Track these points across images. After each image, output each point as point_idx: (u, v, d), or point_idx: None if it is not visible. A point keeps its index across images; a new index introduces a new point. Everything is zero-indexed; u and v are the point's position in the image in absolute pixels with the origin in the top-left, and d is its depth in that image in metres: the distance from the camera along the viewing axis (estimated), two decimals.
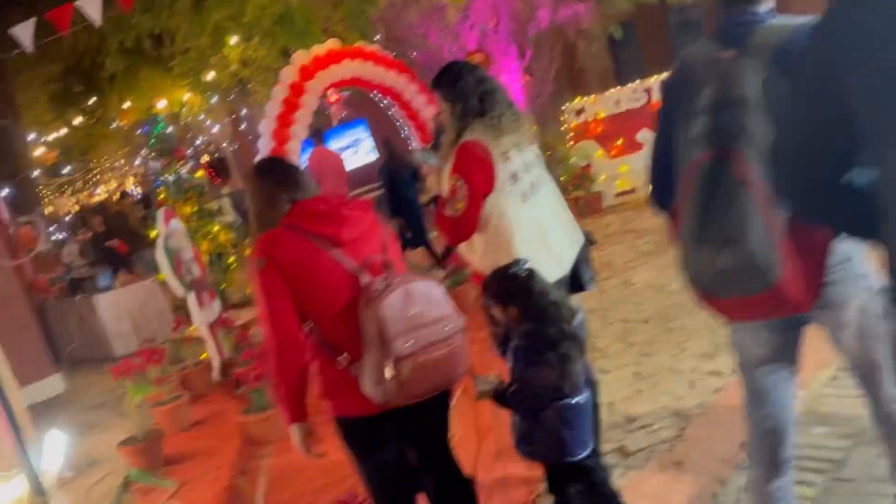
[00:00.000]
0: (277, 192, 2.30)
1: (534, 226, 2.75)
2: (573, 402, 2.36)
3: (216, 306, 6.60)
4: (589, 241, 3.07)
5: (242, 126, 12.92)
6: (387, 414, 2.23)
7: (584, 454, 2.40)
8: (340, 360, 2.18)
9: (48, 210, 11.63)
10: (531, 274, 2.38)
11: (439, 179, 2.90)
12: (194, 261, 6.53)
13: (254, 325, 6.91)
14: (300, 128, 8.10)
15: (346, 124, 13.87)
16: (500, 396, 2.39)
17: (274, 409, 4.71)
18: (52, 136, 11.19)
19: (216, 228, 7.44)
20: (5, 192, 7.15)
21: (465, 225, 2.71)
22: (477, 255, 2.80)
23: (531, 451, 2.42)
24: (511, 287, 2.38)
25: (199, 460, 4.53)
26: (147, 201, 11.84)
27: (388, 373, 2.07)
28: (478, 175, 2.68)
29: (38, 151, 11.26)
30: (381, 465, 2.37)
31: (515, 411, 2.43)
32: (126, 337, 8.20)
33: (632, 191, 9.13)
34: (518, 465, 3.38)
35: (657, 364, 4.16)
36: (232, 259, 7.57)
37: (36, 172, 10.03)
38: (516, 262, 2.42)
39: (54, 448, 4.74)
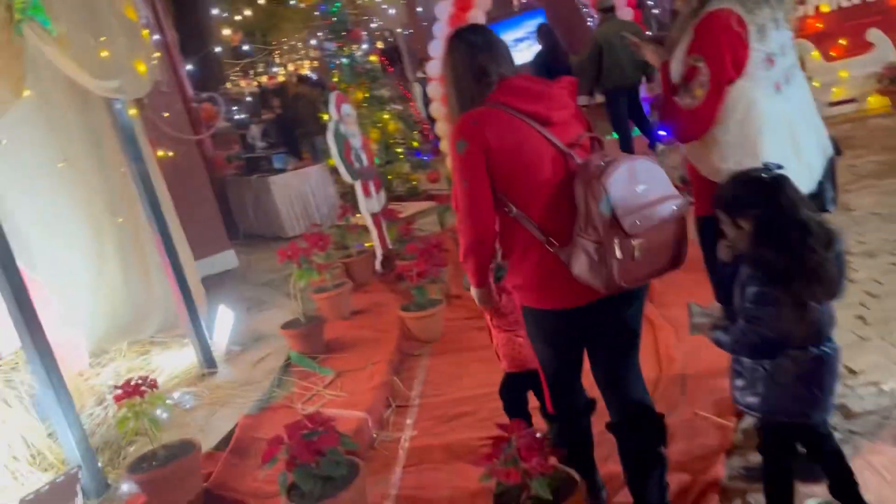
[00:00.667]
0: (487, 65, 2.13)
1: (784, 124, 2.18)
2: (818, 351, 1.85)
3: (381, 197, 6.48)
4: (836, 151, 2.44)
5: (418, 10, 12.50)
6: (588, 307, 2.07)
7: (821, 418, 1.91)
8: (549, 245, 2.03)
9: (230, 90, 12.03)
10: (781, 180, 1.84)
11: (656, 56, 2.36)
12: (363, 149, 6.40)
13: (418, 219, 6.75)
14: (479, 13, 7.56)
15: (522, 14, 13.08)
16: (720, 335, 1.93)
17: (434, 308, 4.52)
18: (237, 17, 11.36)
19: (386, 116, 7.25)
20: (189, 67, 7.31)
21: (702, 118, 2.21)
22: (712, 156, 2.28)
23: (753, 403, 1.96)
24: (751, 194, 1.86)
25: (357, 351, 4.45)
26: (322, 85, 11.94)
27: (618, 253, 1.90)
28: (725, 54, 2.14)
29: (224, 31, 11.53)
30: (568, 362, 2.27)
31: (736, 354, 1.96)
32: (296, 219, 8.40)
33: (851, 100, 7.86)
34: (708, 408, 2.94)
35: (888, 308, 3.46)
36: (400, 150, 7.41)
37: (220, 50, 10.30)
38: (764, 166, 1.89)
39: (224, 322, 4.87)
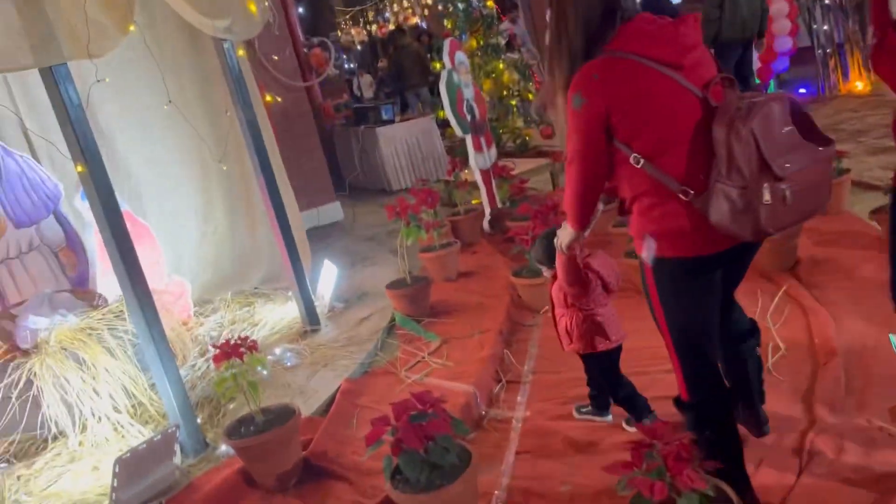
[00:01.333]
0: (608, 9, 1.97)
1: None
2: None
3: (492, 153, 6.14)
4: None
5: None
6: (720, 254, 2.00)
7: None
8: (683, 194, 1.93)
9: (341, 38, 11.84)
10: None
11: None
12: (476, 100, 6.04)
13: (529, 177, 6.36)
14: None
15: None
16: None
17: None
18: None
19: (501, 66, 6.84)
20: (300, 10, 7.09)
21: None
22: None
23: None
24: None
25: (464, 317, 4.17)
26: (429, 34, 11.59)
27: (767, 196, 1.82)
28: None
29: None
30: (705, 319, 2.12)
31: None
32: (401, 172, 8.17)
33: None
34: (885, 417, 2.48)
35: None
36: (514, 102, 6.99)
37: None
38: None
39: (328, 277, 4.70)
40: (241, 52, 4.07)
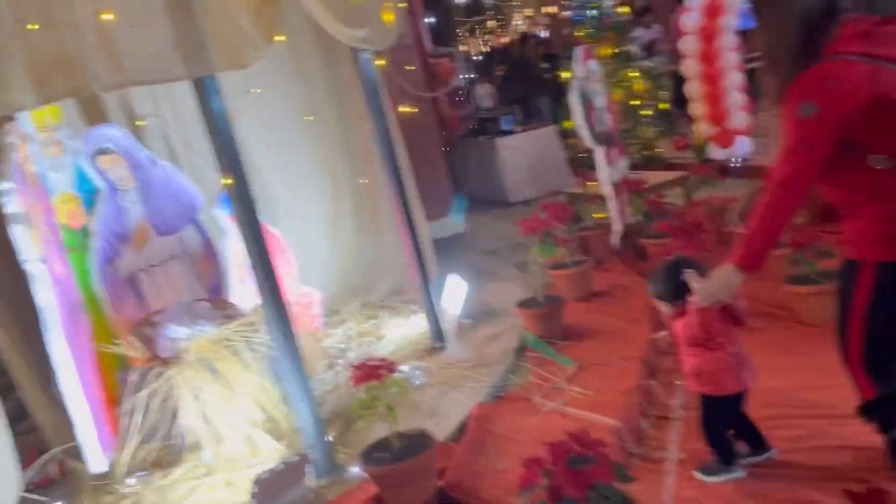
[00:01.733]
0: (827, 10, 1.88)
1: None
2: None
3: (623, 164, 5.84)
4: None
5: None
6: None
7: None
8: None
9: (462, 48, 11.82)
10: None
11: None
12: (607, 110, 5.77)
13: (669, 191, 6.01)
14: None
15: None
16: None
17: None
18: None
19: (634, 74, 6.53)
20: (429, 20, 7.06)
21: None
22: None
23: None
24: None
25: (601, 341, 3.92)
26: (548, 45, 11.34)
27: None
28: None
29: None
30: None
31: None
32: (521, 184, 7.97)
33: None
34: None
35: None
36: (647, 112, 6.65)
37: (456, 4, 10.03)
38: None
39: (456, 292, 4.56)
40: (381, 62, 4.00)
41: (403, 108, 4.95)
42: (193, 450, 3.20)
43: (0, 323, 3.29)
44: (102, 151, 3.77)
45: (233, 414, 3.14)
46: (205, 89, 2.71)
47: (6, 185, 2.87)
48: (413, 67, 4.29)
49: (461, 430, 3.21)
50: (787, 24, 1.89)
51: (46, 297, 2.98)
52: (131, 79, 2.52)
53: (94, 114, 4.09)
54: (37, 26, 2.32)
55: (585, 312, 4.36)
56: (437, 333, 4.22)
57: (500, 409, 3.38)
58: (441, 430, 3.21)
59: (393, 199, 4.10)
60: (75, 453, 3.16)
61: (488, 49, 12.78)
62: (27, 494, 3.10)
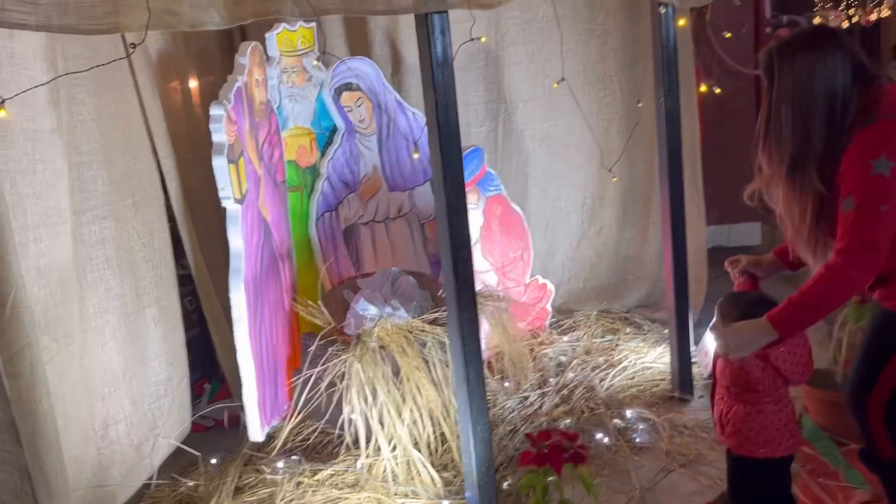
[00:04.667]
0: (864, 60, 1.88)
1: None
2: None
3: None
4: None
5: None
6: None
7: None
8: None
9: (816, 20, 9.89)
10: None
11: None
12: None
13: None
14: None
15: None
16: None
17: None
18: None
19: None
20: None
21: None
22: None
23: None
24: None
25: None
26: None
27: None
28: None
29: None
30: None
31: None
32: None
33: None
34: None
35: None
36: None
37: None
38: None
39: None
40: (682, 23, 3.07)
41: (706, 87, 3.92)
42: (353, 448, 2.77)
43: (201, 260, 3.12)
44: (347, 87, 3.42)
45: (400, 424, 2.63)
46: (428, 29, 2.09)
47: (218, 111, 2.58)
48: (729, 35, 3.28)
49: None
50: (808, 100, 1.85)
51: (237, 240, 2.69)
52: (340, 6, 2.00)
53: (358, 45, 3.74)
54: None
55: None
56: (684, 379, 3.30)
57: None
58: None
59: (663, 194, 3.21)
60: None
61: (849, 26, 10.58)
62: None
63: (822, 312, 1.90)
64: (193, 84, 3.35)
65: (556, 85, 3.03)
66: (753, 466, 2.14)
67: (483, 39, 3.05)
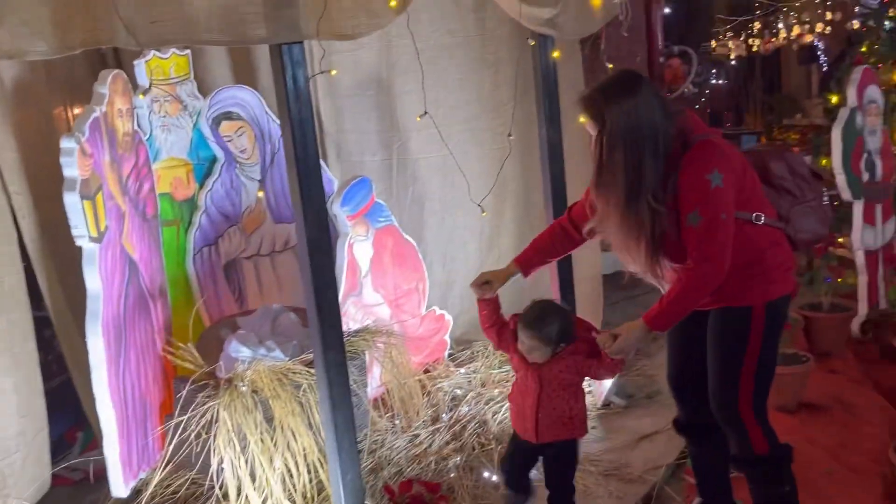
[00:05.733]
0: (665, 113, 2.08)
1: None
2: None
3: (888, 229, 4.42)
4: None
5: None
6: None
7: None
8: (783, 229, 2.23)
9: (715, 50, 10.25)
10: None
11: None
12: (881, 154, 4.37)
13: None
14: None
15: None
16: None
17: None
18: None
19: None
20: (667, 10, 5.89)
21: None
22: None
23: None
24: None
25: (805, 487, 2.70)
26: (811, 56, 9.44)
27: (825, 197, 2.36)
28: None
29: None
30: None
31: None
32: None
33: None
34: None
35: None
36: None
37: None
38: None
39: None
40: (555, 54, 3.07)
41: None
42: (223, 501, 2.60)
43: (62, 301, 2.90)
44: (227, 116, 3.29)
45: (272, 474, 2.49)
46: (282, 60, 2.00)
47: (68, 144, 2.41)
48: (611, 66, 3.33)
49: None
50: (639, 138, 1.98)
51: (94, 281, 2.51)
52: (181, 35, 1.88)
53: (243, 73, 3.61)
54: None
55: (787, 433, 3.11)
56: None
57: None
58: None
59: (549, 223, 3.19)
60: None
61: (744, 55, 11.03)
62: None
63: (688, 310, 2.09)
64: (57, 113, 3.15)
65: (418, 118, 2.98)
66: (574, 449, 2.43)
67: (333, 72, 2.99)
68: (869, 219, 4.28)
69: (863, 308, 4.21)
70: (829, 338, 4.02)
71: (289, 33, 1.96)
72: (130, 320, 2.73)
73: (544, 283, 3.49)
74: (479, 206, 3.49)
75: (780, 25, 11.26)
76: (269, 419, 2.57)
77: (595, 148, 2.03)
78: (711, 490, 2.50)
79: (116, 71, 2.76)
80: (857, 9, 5.56)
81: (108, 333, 2.55)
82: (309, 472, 2.56)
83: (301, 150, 2.05)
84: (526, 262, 2.48)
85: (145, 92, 2.99)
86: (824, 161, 5.10)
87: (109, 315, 2.56)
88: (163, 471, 2.69)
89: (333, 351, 2.16)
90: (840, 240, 4.60)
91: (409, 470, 2.86)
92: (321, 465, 2.58)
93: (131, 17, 1.79)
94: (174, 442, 2.65)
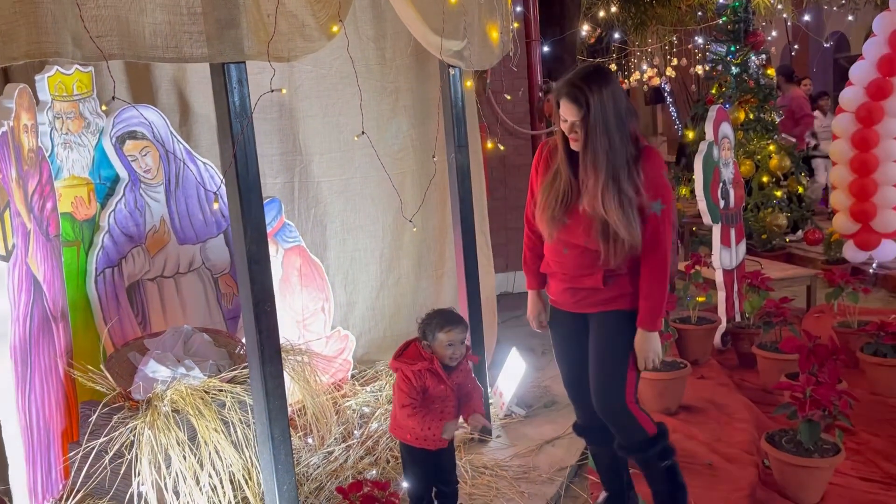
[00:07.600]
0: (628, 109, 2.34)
1: None
2: None
3: (741, 250, 4.95)
4: None
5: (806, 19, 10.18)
6: None
7: None
8: None
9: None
10: None
11: None
12: (733, 184, 4.91)
13: (780, 288, 5.05)
14: None
15: None
16: None
17: (831, 458, 2.90)
18: (601, 13, 10.25)
19: (771, 148, 5.59)
20: (546, 49, 6.35)
21: None
22: None
23: None
24: None
25: (688, 477, 3.02)
26: (657, 97, 10.34)
27: None
28: None
29: (584, 28, 10.47)
30: None
31: None
32: None
33: None
34: None
35: None
36: (779, 193, 5.69)
37: (579, 40, 9.26)
38: None
39: (513, 371, 3.77)
40: (468, 84, 3.30)
41: (492, 144, 4.22)
42: None
43: None
44: (132, 135, 3.22)
45: (197, 492, 2.45)
46: (225, 79, 2.06)
47: None
48: (509, 97, 3.59)
49: None
50: (622, 118, 2.23)
51: (3, 301, 2.39)
52: (127, 51, 1.89)
53: (141, 92, 3.55)
54: None
55: (671, 432, 3.46)
56: None
57: None
58: None
59: (457, 243, 3.37)
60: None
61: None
62: None
63: (665, 293, 2.32)
64: None
65: (356, 137, 3.07)
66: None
67: (283, 91, 3.04)
68: (725, 241, 4.79)
69: (723, 320, 4.70)
70: (697, 347, 4.47)
71: (233, 53, 2.02)
72: (35, 343, 2.61)
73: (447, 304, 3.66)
74: (409, 221, 3.62)
75: (633, 69, 12.32)
76: (193, 438, 2.54)
77: (581, 131, 2.22)
78: (616, 484, 2.73)
79: (22, 85, 2.65)
80: (707, 54, 6.22)
81: (16, 356, 2.43)
82: (234, 488, 2.55)
83: (243, 167, 2.10)
84: (541, 282, 2.64)
85: (49, 107, 2.89)
86: (684, 190, 5.67)
87: (17, 337, 2.45)
88: (73, 500, 2.56)
89: (271, 363, 2.19)
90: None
91: (328, 484, 2.92)
92: (246, 481, 2.58)
93: (78, 31, 1.79)
94: (85, 469, 2.55)
